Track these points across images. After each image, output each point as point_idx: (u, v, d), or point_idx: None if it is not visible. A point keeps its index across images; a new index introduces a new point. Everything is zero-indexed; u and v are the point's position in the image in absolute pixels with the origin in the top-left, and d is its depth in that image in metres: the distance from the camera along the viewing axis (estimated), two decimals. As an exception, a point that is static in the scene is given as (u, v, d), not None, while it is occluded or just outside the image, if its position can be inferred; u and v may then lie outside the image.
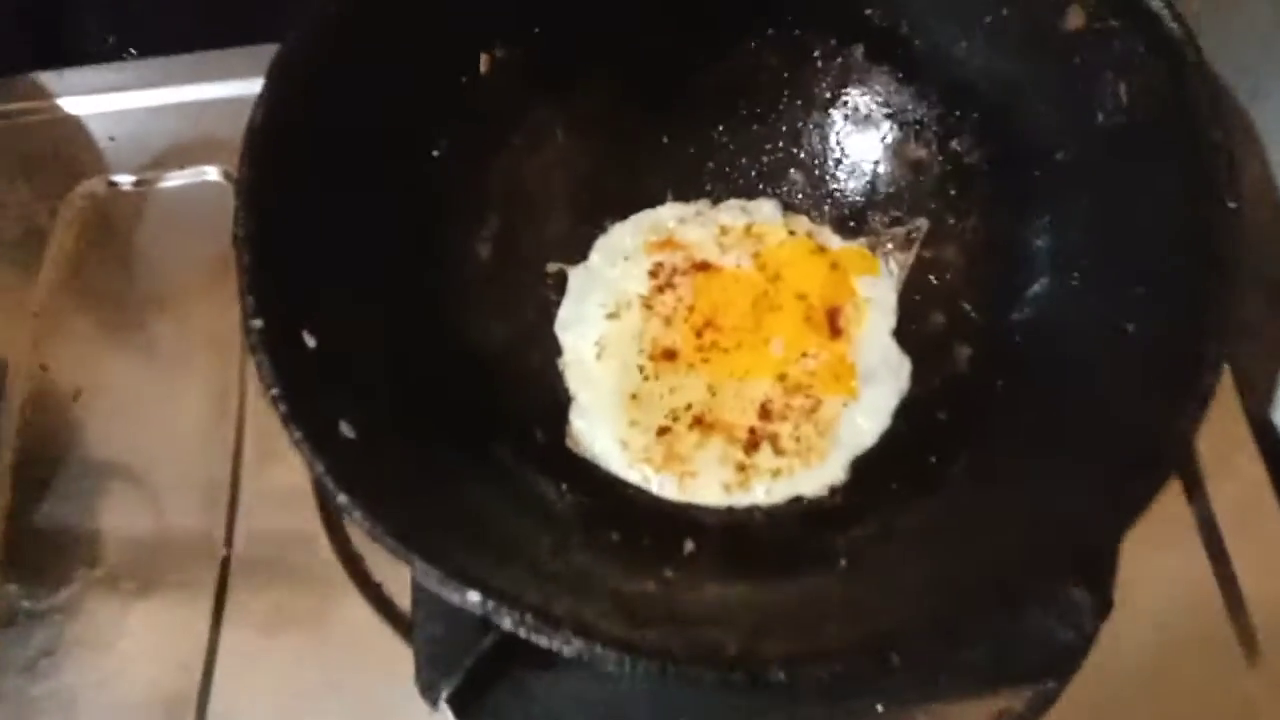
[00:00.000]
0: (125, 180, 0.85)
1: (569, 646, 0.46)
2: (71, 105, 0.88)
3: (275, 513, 0.71)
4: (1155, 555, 0.65)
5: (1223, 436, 0.69)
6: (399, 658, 0.63)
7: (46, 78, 0.89)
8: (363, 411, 0.54)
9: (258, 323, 0.52)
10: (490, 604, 0.47)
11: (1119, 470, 0.51)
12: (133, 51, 0.93)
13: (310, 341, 0.55)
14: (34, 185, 0.85)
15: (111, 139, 0.87)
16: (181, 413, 0.75)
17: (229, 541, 0.70)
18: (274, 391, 0.51)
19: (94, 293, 0.81)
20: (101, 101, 0.88)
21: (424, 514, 0.52)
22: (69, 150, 0.86)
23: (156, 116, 0.87)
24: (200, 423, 0.75)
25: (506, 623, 0.47)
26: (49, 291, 0.80)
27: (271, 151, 0.57)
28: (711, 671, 0.46)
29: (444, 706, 0.58)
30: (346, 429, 0.53)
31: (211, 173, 0.85)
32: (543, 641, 0.46)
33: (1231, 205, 0.53)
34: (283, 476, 0.72)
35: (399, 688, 0.61)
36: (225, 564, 0.69)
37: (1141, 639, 0.63)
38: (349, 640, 0.67)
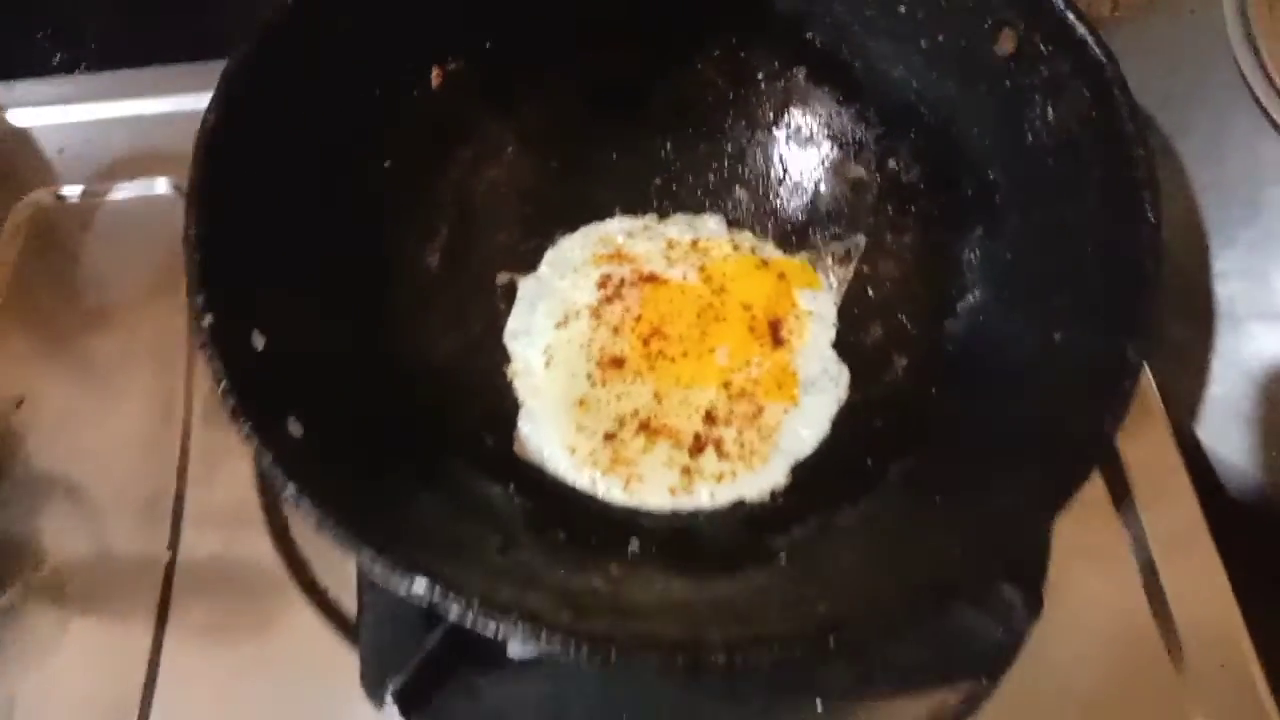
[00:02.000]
0: (73, 192, 0.86)
1: (515, 633, 0.47)
2: (20, 117, 0.88)
3: (220, 522, 0.71)
4: (1085, 564, 0.68)
5: (1151, 451, 0.72)
6: (345, 662, 0.64)
7: None
8: (311, 411, 0.55)
9: (208, 319, 0.53)
10: (437, 591, 0.48)
11: (1045, 469, 0.53)
12: (84, 66, 0.94)
13: (259, 342, 0.56)
14: None
15: (60, 151, 0.87)
16: (125, 423, 0.75)
17: (173, 547, 0.70)
18: (223, 384, 0.52)
19: (39, 303, 0.81)
20: (51, 114, 0.88)
21: (371, 509, 0.53)
22: (17, 162, 0.87)
23: (106, 129, 0.88)
24: (144, 433, 0.75)
25: (453, 611, 0.47)
26: None
27: (222, 155, 0.58)
28: (654, 656, 0.47)
29: (389, 706, 0.59)
30: (295, 427, 0.54)
31: (161, 185, 0.85)
32: (489, 629, 0.47)
33: (1153, 220, 0.56)
34: (227, 487, 0.72)
35: (346, 691, 0.62)
36: (169, 570, 0.69)
37: (1072, 643, 0.65)
38: (295, 646, 0.67)
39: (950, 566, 0.52)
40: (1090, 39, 0.60)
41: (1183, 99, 0.76)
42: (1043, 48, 0.62)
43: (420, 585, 0.48)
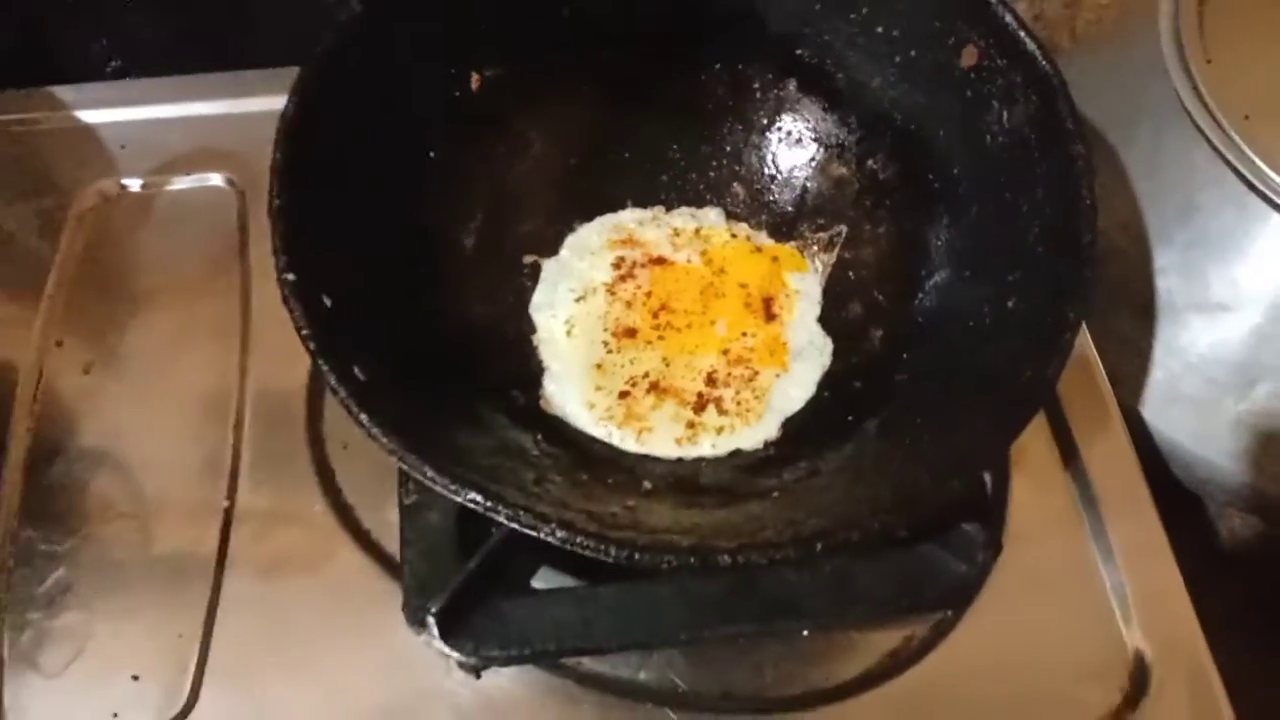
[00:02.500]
0: (134, 183, 0.91)
1: (554, 537, 0.54)
2: (85, 116, 0.94)
3: (273, 470, 0.77)
4: (1040, 516, 0.76)
5: (1099, 425, 0.79)
6: (387, 594, 0.70)
7: (62, 91, 0.95)
8: (370, 363, 0.61)
9: (290, 276, 0.60)
10: (489, 502, 0.55)
11: (999, 409, 0.61)
12: (130, 75, 1.02)
13: (327, 302, 0.62)
14: (51, 184, 0.90)
15: (122, 146, 0.92)
16: (186, 390, 0.81)
17: (231, 495, 0.76)
18: (304, 331, 0.59)
19: (104, 280, 0.86)
20: (113, 114, 0.94)
21: (426, 441, 0.59)
22: (83, 155, 0.92)
23: (163, 128, 0.93)
24: (204, 399, 0.80)
25: (502, 517, 0.55)
26: (63, 276, 0.86)
27: (298, 141, 0.65)
28: (670, 555, 0.55)
29: (430, 626, 0.64)
30: (359, 373, 0.60)
31: (215, 178, 0.91)
32: (532, 532, 0.55)
33: (1088, 201, 0.64)
34: (279, 441, 0.78)
35: (388, 618, 0.67)
36: (227, 515, 0.75)
37: (1028, 584, 0.73)
38: (342, 581, 0.72)
39: (917, 489, 0.60)
40: (1039, 54, 0.67)
41: (1127, 116, 0.83)
42: (999, 61, 0.69)
43: (475, 495, 0.55)
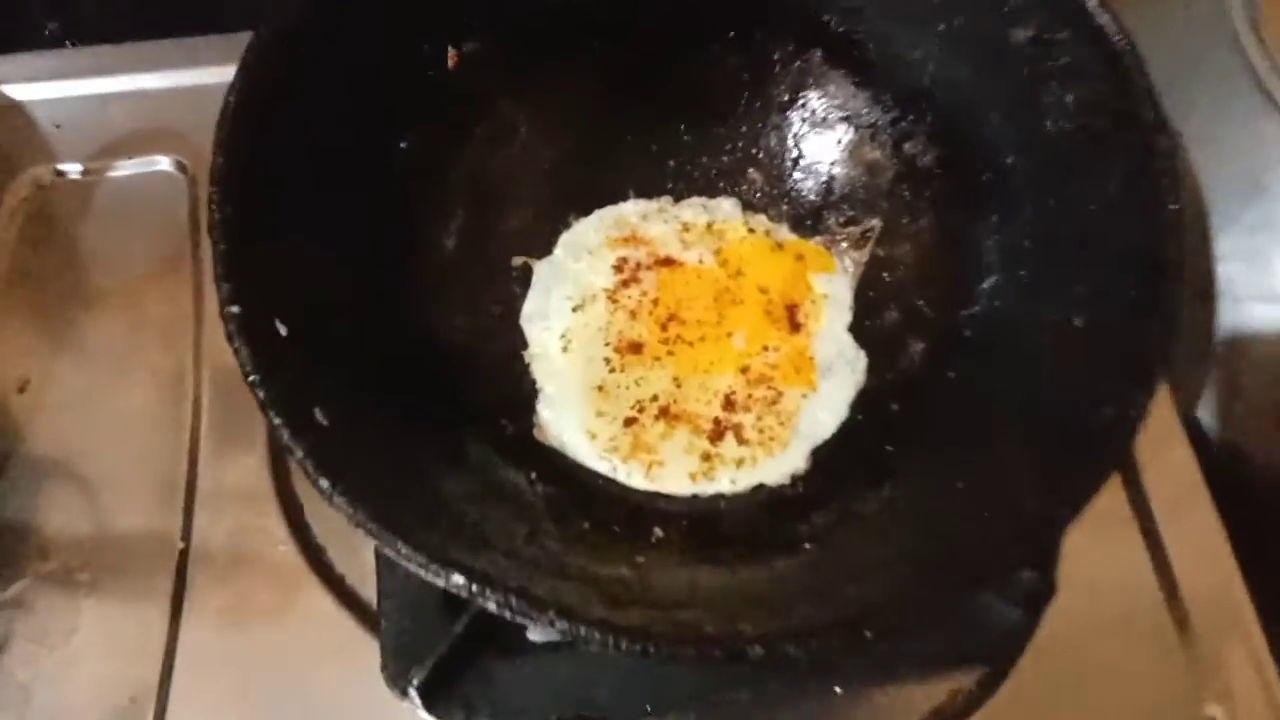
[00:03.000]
0: (73, 169, 0.85)
1: (554, 627, 0.47)
2: (16, 92, 0.87)
3: (234, 506, 0.71)
4: (1094, 541, 0.66)
5: (1157, 430, 0.72)
6: (364, 649, 0.64)
7: None
8: (335, 400, 0.55)
9: (235, 309, 0.53)
10: (475, 586, 0.48)
11: (1065, 461, 0.54)
12: (72, 42, 0.92)
13: (282, 330, 0.55)
14: None
15: (58, 126, 0.86)
16: (134, 405, 0.75)
17: (186, 535, 0.70)
18: (252, 378, 0.51)
19: (40, 283, 0.80)
20: (47, 89, 0.87)
21: (401, 502, 0.53)
22: (12, 138, 0.85)
23: (106, 105, 0.87)
24: (154, 415, 0.74)
25: (492, 604, 0.48)
26: None
27: (242, 141, 0.57)
28: (692, 650, 0.47)
29: (413, 698, 0.59)
30: (321, 417, 0.53)
31: (162, 162, 0.85)
32: (528, 622, 0.47)
33: (1174, 206, 0.56)
34: (240, 470, 0.72)
35: (365, 678, 0.62)
36: (183, 557, 0.69)
37: (1081, 620, 0.66)
38: (312, 634, 0.67)
39: (974, 557, 0.52)
40: (1111, 25, 0.59)
41: (1185, 81, 0.76)
42: (1062, 33, 0.61)
43: (458, 579, 0.48)
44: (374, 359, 0.62)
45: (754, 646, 0.47)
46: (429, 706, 0.59)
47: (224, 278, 0.53)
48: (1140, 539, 0.70)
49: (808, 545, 0.60)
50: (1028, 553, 0.54)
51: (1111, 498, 0.71)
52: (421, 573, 0.48)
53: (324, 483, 0.49)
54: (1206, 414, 0.77)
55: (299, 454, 0.50)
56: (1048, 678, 0.65)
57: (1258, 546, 0.71)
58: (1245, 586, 0.68)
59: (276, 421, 0.51)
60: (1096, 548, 0.68)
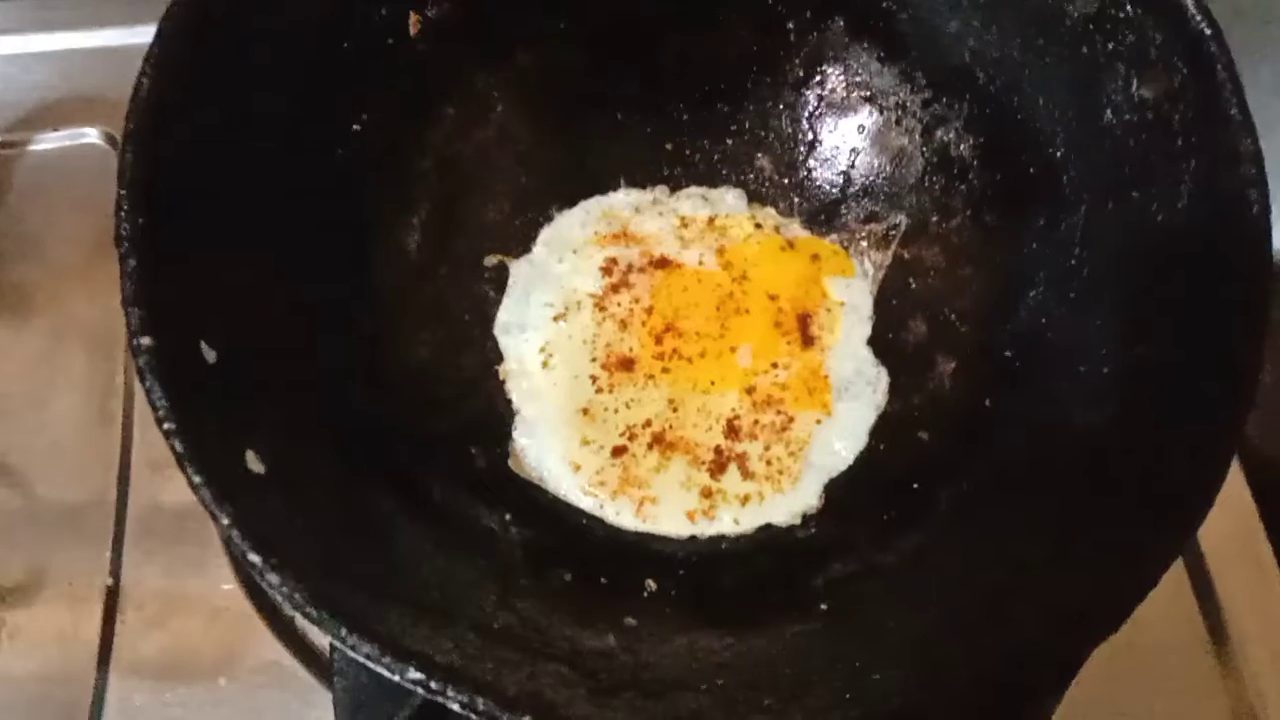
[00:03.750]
0: None
1: None
2: None
3: (169, 534, 0.65)
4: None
5: None
6: (316, 704, 0.60)
7: None
8: (274, 437, 0.48)
9: (146, 340, 0.45)
10: (434, 683, 0.41)
11: (1133, 517, 0.47)
12: None
13: (209, 355, 0.48)
14: None
15: None
16: (58, 413, 0.69)
17: (115, 571, 0.64)
18: (167, 427, 0.44)
19: None
20: None
21: (350, 567, 0.46)
22: None
23: (26, 67, 0.81)
24: (80, 424, 0.68)
25: (455, 705, 0.41)
26: None
27: (162, 128, 0.49)
28: None
29: None
30: (255, 462, 0.47)
31: (91, 134, 0.78)
32: None
33: (1258, 215, 0.49)
34: (176, 492, 0.65)
35: None
36: (110, 597, 0.63)
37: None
38: (257, 685, 0.62)
39: (1026, 641, 0.45)
40: (1190, 4, 0.52)
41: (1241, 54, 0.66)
42: (1130, 9, 0.54)
43: (414, 674, 0.41)
44: (321, 383, 0.55)
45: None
46: (390, 786, 0.52)
47: (134, 301, 0.45)
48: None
49: (823, 605, 0.53)
50: (1087, 640, 0.46)
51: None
52: (373, 666, 0.41)
53: (254, 558, 0.42)
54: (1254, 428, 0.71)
55: (225, 522, 0.42)
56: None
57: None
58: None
59: (197, 480, 0.43)
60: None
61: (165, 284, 0.46)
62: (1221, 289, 0.50)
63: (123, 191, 0.47)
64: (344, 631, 0.41)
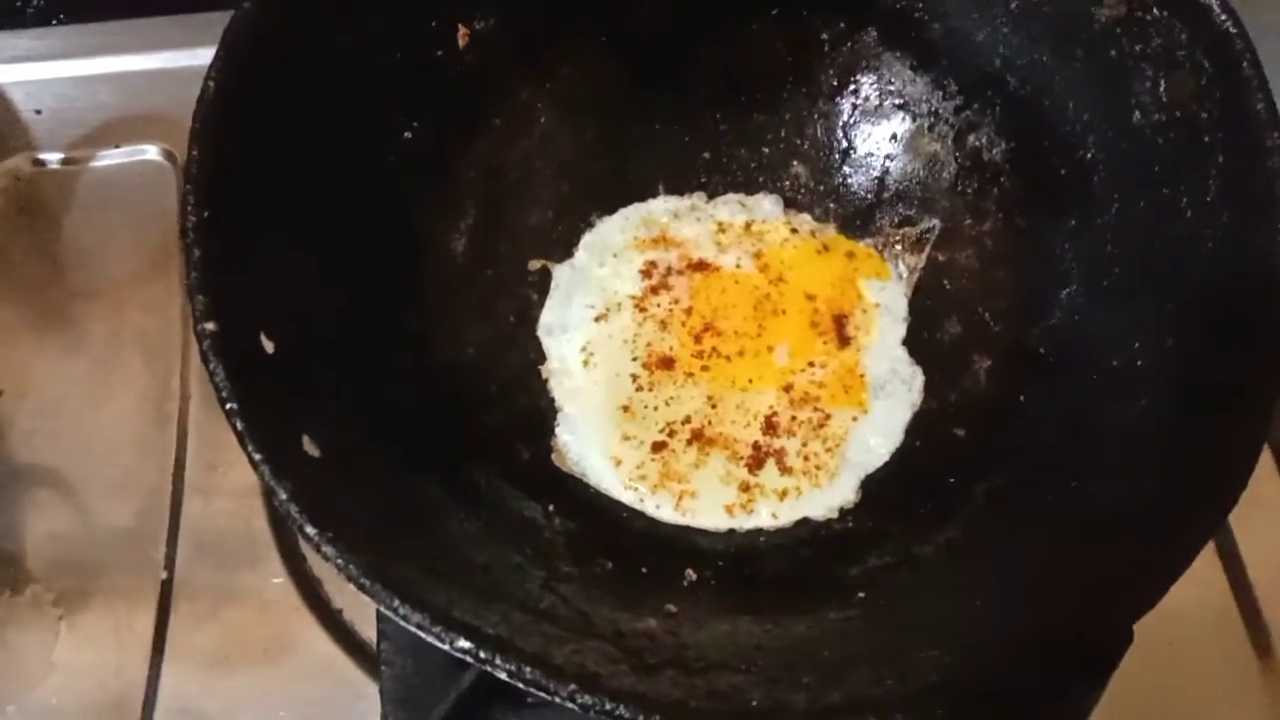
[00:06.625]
0: (53, 158, 0.81)
1: (576, 701, 0.41)
2: None
3: (222, 530, 0.66)
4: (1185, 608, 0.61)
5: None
6: (363, 696, 0.60)
7: None
8: (328, 426, 0.50)
9: (210, 326, 0.47)
10: (484, 653, 0.42)
11: (1163, 506, 0.47)
12: (61, 18, 0.87)
13: (268, 346, 0.50)
14: None
15: (38, 112, 0.82)
16: (116, 416, 0.71)
17: (170, 563, 0.65)
18: (229, 406, 0.46)
19: (17, 282, 0.77)
20: (27, 70, 0.83)
21: (401, 546, 0.47)
22: None
23: (89, 88, 0.82)
24: (137, 427, 0.70)
25: (503, 674, 0.42)
26: None
27: (225, 129, 0.51)
28: None
29: None
30: (310, 446, 0.48)
31: (150, 151, 0.80)
32: (544, 695, 0.42)
33: None
34: (229, 490, 0.68)
35: None
36: (166, 589, 0.64)
37: (1158, 648, 0.58)
38: (306, 676, 0.63)
39: (1060, 616, 0.46)
40: (1215, 4, 0.53)
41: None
42: (1157, 11, 0.56)
43: (463, 644, 0.42)
44: (372, 377, 0.57)
45: (805, 722, 0.41)
46: (435, 768, 0.53)
47: (200, 289, 0.47)
48: (1217, 560, 0.65)
49: (861, 594, 0.54)
50: (1123, 616, 0.46)
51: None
52: (424, 635, 0.42)
53: (311, 530, 0.43)
54: None
55: (283, 496, 0.44)
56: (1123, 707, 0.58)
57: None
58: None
59: (257, 458, 0.45)
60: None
61: (226, 275, 0.49)
62: (1251, 284, 0.50)
63: (188, 186, 0.49)
64: (396, 602, 0.42)
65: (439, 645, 0.42)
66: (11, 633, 0.63)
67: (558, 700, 0.42)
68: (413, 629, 0.43)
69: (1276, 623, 0.63)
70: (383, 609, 0.43)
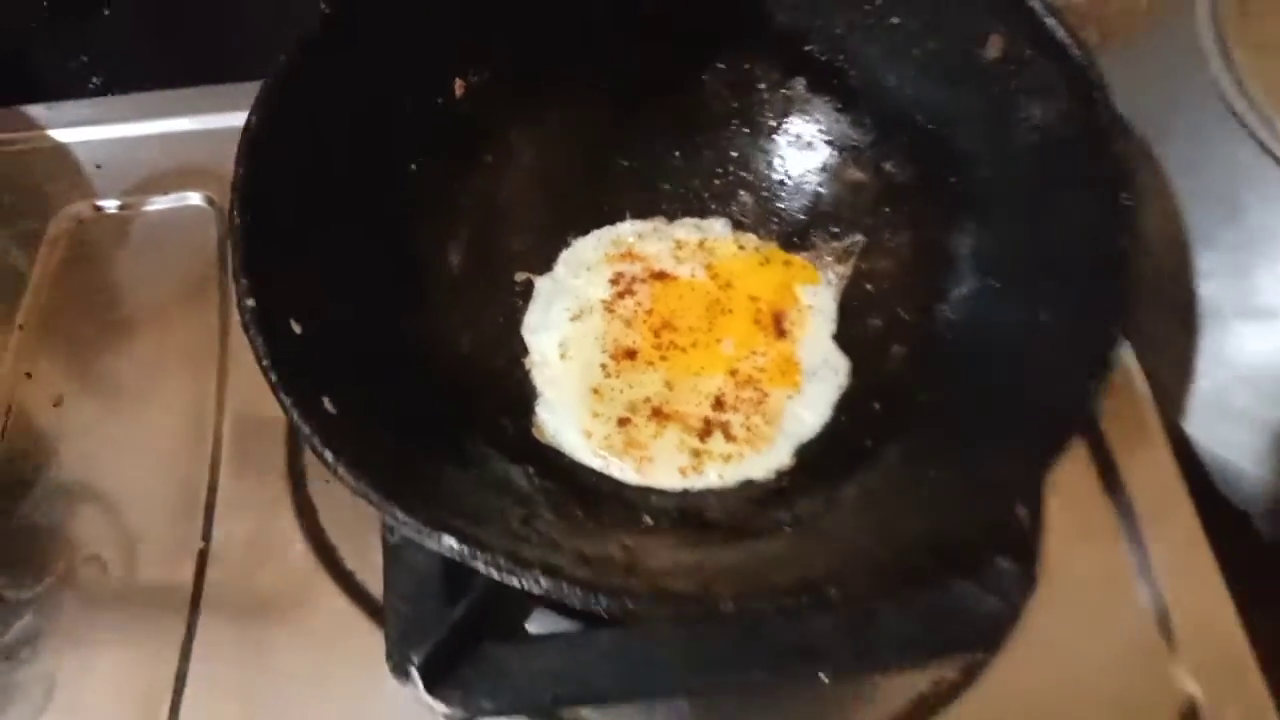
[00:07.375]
0: (110, 204, 0.88)
1: (538, 586, 0.49)
2: (61, 135, 0.91)
3: (252, 512, 0.73)
4: (1077, 544, 0.70)
5: (1141, 443, 0.74)
6: (372, 643, 0.64)
7: (37, 110, 0.92)
8: (343, 394, 0.57)
9: (250, 302, 0.56)
10: (465, 548, 0.50)
11: (1033, 435, 0.55)
12: (117, 89, 0.97)
13: (296, 328, 0.58)
14: (24, 208, 0.88)
15: (98, 166, 0.90)
16: (159, 427, 0.77)
17: (206, 536, 0.72)
18: (265, 362, 0.54)
19: (78, 308, 0.83)
20: (89, 132, 0.91)
21: (402, 478, 0.55)
22: (57, 176, 0.89)
23: (142, 146, 0.90)
24: (178, 430, 0.77)
25: (480, 564, 0.49)
26: (35, 305, 0.83)
27: (262, 155, 0.60)
28: (666, 606, 0.50)
29: (415, 679, 0.60)
30: (329, 405, 0.56)
31: (193, 198, 0.88)
32: (514, 582, 0.49)
33: (1127, 203, 0.58)
34: (259, 479, 0.74)
35: (373, 669, 0.62)
36: (203, 555, 0.71)
37: (1065, 619, 0.67)
38: (324, 627, 0.68)
39: (944, 529, 0.54)
40: (1071, 44, 0.61)
41: (1162, 111, 0.77)
42: (1027, 52, 0.64)
43: (449, 541, 0.50)
44: (380, 363, 0.64)
45: (726, 603, 0.48)
46: (430, 687, 0.59)
47: (241, 273, 0.56)
48: (1125, 544, 0.70)
49: (788, 529, 0.61)
50: (1000, 529, 0.55)
51: (1096, 505, 0.72)
52: (415, 536, 0.50)
53: (329, 455, 0.52)
54: (1193, 426, 0.77)
55: (307, 431, 0.52)
56: (1031, 666, 0.65)
57: (1238, 554, 0.72)
58: (1220, 575, 0.68)
59: (287, 401, 0.53)
60: (1079, 549, 0.70)
61: (260, 267, 0.57)
62: (1102, 263, 0.58)
63: (233, 194, 0.58)
64: (397, 510, 0.50)
65: (428, 544, 0.50)
66: (68, 595, 0.69)
67: (524, 585, 0.49)
68: (409, 532, 0.50)
69: (1179, 609, 0.67)
70: (385, 517, 0.51)
